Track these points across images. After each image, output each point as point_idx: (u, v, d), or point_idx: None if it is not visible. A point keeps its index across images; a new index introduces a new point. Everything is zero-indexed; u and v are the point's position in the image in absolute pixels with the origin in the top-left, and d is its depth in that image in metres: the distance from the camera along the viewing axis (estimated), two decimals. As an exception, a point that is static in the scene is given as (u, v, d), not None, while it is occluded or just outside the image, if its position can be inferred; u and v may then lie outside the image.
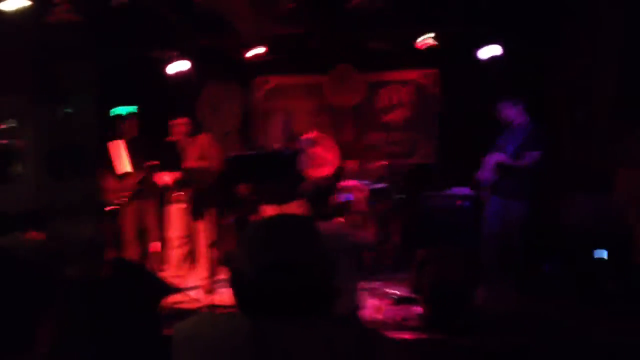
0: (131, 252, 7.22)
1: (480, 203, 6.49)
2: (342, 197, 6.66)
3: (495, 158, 6.15)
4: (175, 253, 6.54)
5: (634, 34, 5.71)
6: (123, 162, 5.88)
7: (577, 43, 7.14)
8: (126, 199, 7.03)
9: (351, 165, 8.40)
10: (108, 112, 8.49)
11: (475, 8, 6.91)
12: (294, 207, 6.07)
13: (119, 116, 6.98)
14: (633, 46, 5.74)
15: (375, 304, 5.68)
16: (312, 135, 6.15)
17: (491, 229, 6.20)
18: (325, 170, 8.10)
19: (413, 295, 5.44)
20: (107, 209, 7.02)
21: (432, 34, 7.69)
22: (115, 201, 6.98)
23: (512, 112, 6.25)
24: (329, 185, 4.37)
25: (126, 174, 6.83)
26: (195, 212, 6.34)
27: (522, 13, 7.16)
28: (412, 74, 9.14)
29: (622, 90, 6.13)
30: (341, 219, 4.38)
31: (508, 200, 6.09)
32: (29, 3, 4.82)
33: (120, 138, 6.86)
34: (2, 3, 4.73)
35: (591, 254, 6.10)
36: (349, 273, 4.14)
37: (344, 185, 6.05)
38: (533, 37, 7.73)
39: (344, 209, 4.48)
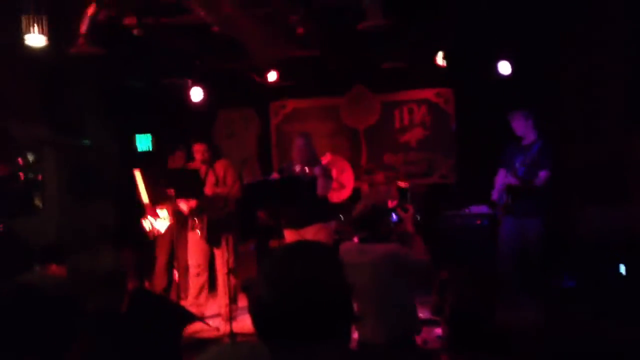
0: (161, 280, 7.27)
1: (497, 222, 6.46)
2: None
3: (506, 180, 6.13)
4: (194, 281, 6.53)
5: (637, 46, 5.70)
6: (141, 193, 5.92)
7: (588, 54, 7.13)
8: (162, 229, 7.09)
9: (366, 187, 8.40)
10: (128, 140, 8.60)
11: (485, 26, 6.92)
12: (313, 232, 6.05)
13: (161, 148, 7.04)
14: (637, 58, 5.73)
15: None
16: (326, 158, 6.15)
17: (509, 250, 6.17)
18: (343, 194, 8.12)
19: (434, 317, 5.40)
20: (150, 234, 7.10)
21: (442, 54, 7.71)
22: (152, 229, 7.04)
23: (521, 125, 6.23)
24: (383, 206, 4.33)
25: (147, 205, 6.89)
26: (212, 239, 6.34)
27: (533, 29, 7.16)
28: (426, 93, 9.17)
29: (634, 100, 6.10)
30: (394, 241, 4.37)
31: (523, 219, 6.07)
32: (48, 42, 4.90)
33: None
34: (28, 38, 4.80)
35: (610, 267, 6.04)
36: (407, 294, 4.12)
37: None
38: (542, 50, 7.74)
39: (393, 230, 4.47)
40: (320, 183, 5.96)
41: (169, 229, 6.98)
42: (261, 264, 1.76)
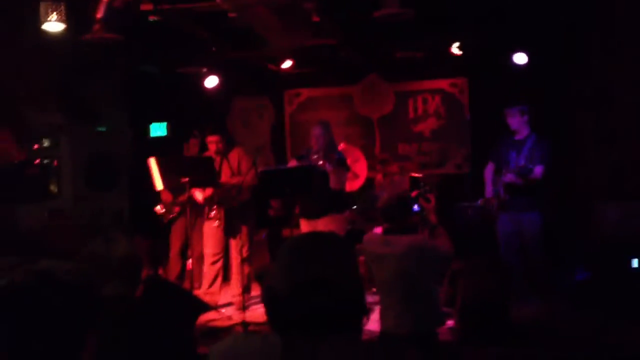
0: (174, 267, 7.31)
1: (489, 215, 6.42)
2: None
3: (503, 179, 6.10)
4: (209, 270, 6.55)
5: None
6: (156, 180, 5.93)
7: (601, 51, 7.07)
8: (175, 214, 7.12)
9: (379, 176, 8.39)
10: (143, 128, 8.64)
11: (502, 16, 6.88)
12: (326, 222, 6.04)
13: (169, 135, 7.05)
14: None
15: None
16: (340, 147, 6.12)
17: (509, 247, 6.16)
18: (356, 184, 8.11)
19: (445, 309, 5.41)
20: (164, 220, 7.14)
21: (457, 44, 7.67)
22: (168, 214, 7.07)
23: (516, 121, 6.19)
24: (408, 197, 4.31)
25: (161, 192, 6.92)
26: (228, 228, 6.36)
27: (548, 21, 7.11)
28: (441, 83, 9.14)
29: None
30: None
31: (520, 214, 6.04)
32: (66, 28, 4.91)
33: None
34: (46, 24, 4.82)
35: (624, 263, 6.01)
36: (431, 286, 4.12)
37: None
38: (558, 44, 7.69)
39: (416, 222, 4.46)
40: (332, 178, 5.93)
41: (182, 216, 7.02)
42: (275, 254, 1.77)
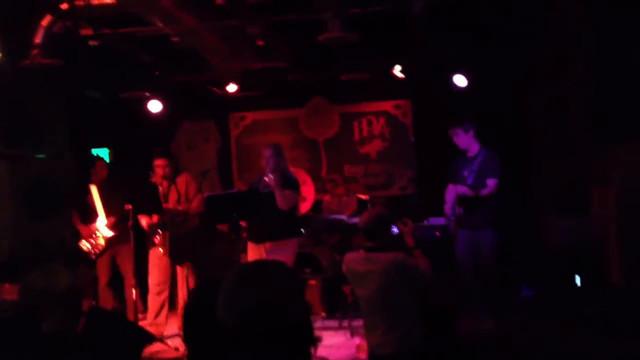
0: (105, 300, 7.09)
1: (452, 236, 6.51)
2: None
3: (456, 191, 6.20)
4: (154, 300, 6.39)
5: (607, 54, 5.80)
6: (98, 207, 5.80)
7: (550, 64, 7.25)
8: (103, 245, 6.90)
9: (327, 198, 8.41)
10: (85, 154, 8.46)
11: (444, 38, 7.01)
12: (274, 247, 5.95)
13: (89, 159, 6.88)
14: (606, 65, 5.84)
15: (357, 342, 5.62)
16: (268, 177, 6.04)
17: (465, 262, 6.23)
18: (304, 207, 8.09)
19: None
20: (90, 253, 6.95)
21: (399, 67, 7.78)
22: (94, 250, 6.88)
23: (463, 140, 6.31)
24: (388, 215, 4.28)
25: (80, 228, 6.76)
26: (174, 256, 6.23)
27: (490, 40, 7.28)
28: (385, 105, 9.25)
29: (596, 109, 6.21)
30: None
31: (477, 231, 6.13)
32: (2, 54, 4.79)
33: (91, 182, 6.78)
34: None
35: (567, 277, 6.14)
36: (414, 304, 4.09)
37: None
38: (501, 62, 7.87)
39: (396, 241, 4.43)
40: (278, 196, 5.84)
41: (108, 245, 6.82)
42: (221, 284, 1.74)
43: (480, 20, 6.63)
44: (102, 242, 6.63)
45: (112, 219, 6.54)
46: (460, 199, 6.16)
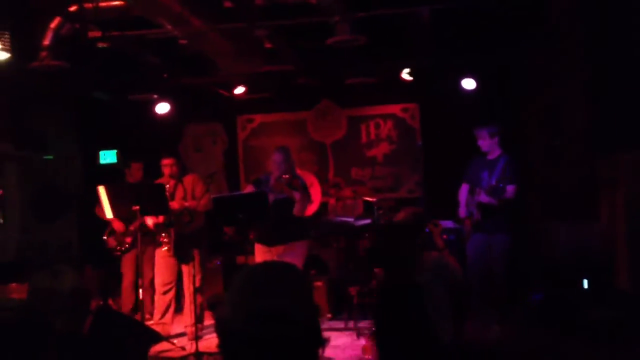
0: (127, 299, 7.13)
1: (464, 238, 6.51)
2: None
3: (476, 198, 6.18)
4: (160, 300, 6.41)
5: (605, 60, 5.79)
6: (106, 209, 5.81)
7: (548, 71, 7.24)
8: (128, 246, 6.99)
9: (333, 201, 8.41)
10: (93, 155, 8.48)
11: (451, 42, 7.02)
12: (286, 250, 5.95)
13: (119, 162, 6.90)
14: (604, 72, 5.83)
15: (363, 343, 5.61)
16: (287, 175, 6.05)
17: (475, 266, 6.22)
18: (310, 209, 8.08)
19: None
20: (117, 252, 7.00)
21: (408, 70, 7.79)
22: (120, 247, 6.96)
23: (487, 144, 6.30)
24: (422, 214, 4.29)
25: (112, 221, 6.80)
26: (179, 254, 6.25)
27: (495, 45, 7.28)
28: (393, 108, 9.23)
29: (601, 112, 6.18)
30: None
31: (491, 235, 6.12)
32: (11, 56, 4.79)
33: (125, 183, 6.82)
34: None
35: (573, 283, 6.11)
36: (447, 304, 4.08)
37: None
38: (507, 67, 7.87)
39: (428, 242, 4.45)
40: (299, 204, 5.86)
41: (134, 246, 6.88)
42: (229, 285, 1.74)
43: (484, 26, 6.64)
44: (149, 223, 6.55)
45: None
46: (481, 206, 6.14)
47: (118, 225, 6.96)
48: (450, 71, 7.91)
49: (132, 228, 6.78)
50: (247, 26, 5.98)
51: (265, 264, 1.86)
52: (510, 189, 6.04)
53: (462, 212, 6.41)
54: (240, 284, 1.69)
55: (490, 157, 6.32)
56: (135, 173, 7.24)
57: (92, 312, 2.87)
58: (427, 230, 4.34)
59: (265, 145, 8.87)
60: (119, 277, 7.20)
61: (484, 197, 6.10)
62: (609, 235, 6.04)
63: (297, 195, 5.86)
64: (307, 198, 6.00)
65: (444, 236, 7.08)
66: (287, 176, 5.86)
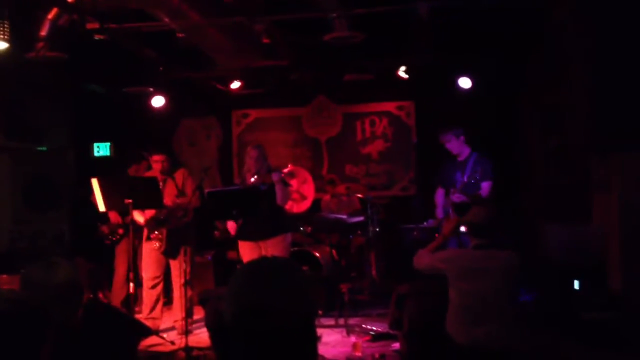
0: (118, 292, 7.10)
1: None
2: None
3: (452, 199, 6.21)
4: (149, 294, 6.39)
5: (604, 63, 5.81)
6: (98, 201, 5.78)
7: (550, 72, 7.25)
8: (118, 237, 7.00)
9: (327, 198, 8.40)
10: (86, 147, 8.46)
11: (448, 40, 7.02)
12: (272, 244, 5.97)
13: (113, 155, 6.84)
14: (603, 74, 5.84)
15: (353, 341, 5.62)
16: (287, 169, 6.09)
17: None
18: (303, 205, 8.09)
19: (391, 331, 5.40)
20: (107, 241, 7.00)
21: (404, 68, 7.79)
22: (111, 236, 6.95)
23: (455, 145, 6.35)
24: (496, 213, 4.32)
25: (109, 213, 6.78)
26: (169, 250, 6.22)
27: (495, 44, 7.29)
28: (388, 106, 9.24)
29: (593, 118, 6.20)
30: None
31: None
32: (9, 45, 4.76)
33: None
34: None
35: (567, 284, 6.12)
36: (512, 303, 4.12)
37: None
38: (504, 67, 7.88)
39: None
40: (277, 191, 5.88)
41: (125, 238, 6.87)
42: (224, 281, 1.74)
43: (482, 25, 6.64)
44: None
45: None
46: (457, 206, 6.16)
47: (114, 216, 6.95)
48: (446, 70, 7.92)
49: (128, 221, 6.77)
50: (244, 21, 5.96)
51: (260, 260, 1.86)
52: (485, 185, 6.08)
53: (439, 212, 6.47)
54: (239, 279, 1.69)
55: (460, 158, 6.37)
56: (141, 170, 7.17)
57: (83, 305, 2.86)
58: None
59: (260, 140, 8.82)
60: (109, 270, 7.18)
61: (457, 197, 6.14)
62: (602, 237, 6.06)
63: (275, 177, 5.90)
64: (284, 189, 6.04)
65: (436, 234, 7.13)
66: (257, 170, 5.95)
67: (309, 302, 1.69)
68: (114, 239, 7.01)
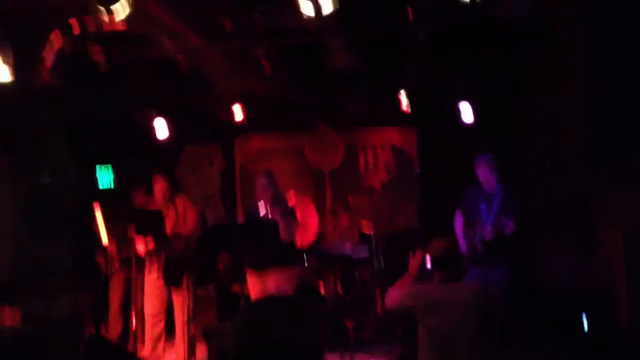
0: (115, 325, 7.00)
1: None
2: None
3: (482, 234, 6.08)
4: (151, 331, 6.27)
5: (599, 85, 5.79)
6: (101, 229, 5.73)
7: (548, 97, 7.24)
8: (114, 270, 6.93)
9: (330, 229, 8.34)
10: (90, 173, 8.41)
11: (448, 67, 7.03)
12: (276, 276, 5.89)
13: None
14: (598, 96, 5.83)
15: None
16: (291, 200, 6.04)
17: None
18: (307, 237, 8.01)
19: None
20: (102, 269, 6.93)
21: (406, 97, 7.79)
22: (105, 270, 6.89)
23: (485, 174, 6.23)
24: (456, 244, 4.27)
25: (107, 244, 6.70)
26: (169, 279, 6.11)
27: (492, 69, 7.28)
28: (391, 136, 9.21)
29: (590, 142, 6.17)
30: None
31: (488, 269, 6.03)
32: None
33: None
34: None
35: (575, 315, 6.04)
36: (485, 337, 4.03)
37: None
38: (503, 91, 7.87)
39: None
40: (281, 227, 5.81)
41: (122, 270, 6.81)
42: (227, 316, 1.68)
43: (479, 50, 6.66)
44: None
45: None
46: (485, 244, 6.06)
47: (111, 248, 6.89)
48: (448, 99, 7.89)
49: (124, 255, 6.76)
50: (245, 46, 5.97)
51: (269, 299, 1.82)
52: (512, 224, 5.96)
53: (462, 247, 6.27)
54: (244, 316, 1.65)
55: (487, 188, 6.25)
56: (139, 198, 7.11)
57: (85, 340, 2.78)
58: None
59: (263, 169, 8.82)
60: (106, 301, 7.08)
61: (488, 233, 6.00)
62: (608, 270, 5.99)
63: (276, 214, 5.82)
64: (292, 222, 5.97)
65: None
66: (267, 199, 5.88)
67: (314, 337, 1.65)
68: (110, 272, 6.93)
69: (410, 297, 4.13)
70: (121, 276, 6.89)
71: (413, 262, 4.39)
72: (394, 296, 4.24)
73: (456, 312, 3.93)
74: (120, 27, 5.40)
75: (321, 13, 3.98)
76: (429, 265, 5.58)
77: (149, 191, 6.82)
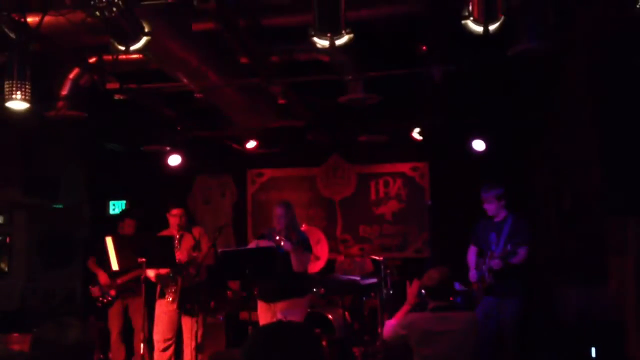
0: (117, 353, 7.04)
1: (472, 299, 6.42)
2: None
3: (489, 264, 6.10)
4: (161, 356, 6.29)
5: (614, 124, 5.82)
6: (111, 260, 5.79)
7: (560, 134, 7.28)
8: (111, 298, 7.00)
9: (341, 258, 8.35)
10: (102, 205, 8.52)
11: (462, 103, 7.08)
12: (287, 306, 5.89)
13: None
14: (613, 136, 5.86)
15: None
16: (301, 229, 6.06)
17: (484, 330, 6.10)
18: (317, 265, 8.03)
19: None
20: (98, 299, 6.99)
21: (418, 129, 7.86)
22: (102, 299, 6.97)
23: (493, 207, 6.26)
24: (449, 276, 4.32)
25: (116, 272, 6.76)
26: (182, 306, 6.15)
27: (507, 107, 7.34)
28: (402, 167, 9.26)
29: (606, 180, 6.19)
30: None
31: (502, 299, 6.03)
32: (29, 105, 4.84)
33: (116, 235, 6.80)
34: (10, 102, 4.72)
35: (585, 348, 6.01)
36: None
37: None
38: (518, 129, 7.91)
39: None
40: (293, 259, 5.82)
41: (120, 298, 6.92)
42: (235, 344, 1.74)
43: (496, 87, 6.72)
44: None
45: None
46: (493, 271, 6.07)
47: (103, 278, 6.96)
48: (460, 131, 7.95)
49: (119, 282, 6.87)
50: (261, 82, 6.05)
51: (276, 325, 1.86)
52: (521, 251, 5.96)
53: (472, 276, 6.30)
54: (252, 344, 1.68)
55: (497, 219, 6.29)
56: (127, 228, 7.23)
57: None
58: (457, 286, 4.38)
59: (275, 199, 8.85)
60: (106, 331, 7.14)
61: (496, 263, 6.02)
62: (618, 302, 5.97)
63: (288, 246, 5.81)
64: (303, 253, 5.96)
65: (450, 297, 7.04)
66: (280, 229, 5.89)
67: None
68: (105, 301, 7.01)
69: (403, 327, 4.16)
70: (118, 303, 6.99)
71: (410, 292, 4.42)
72: (389, 326, 4.27)
73: (451, 342, 3.95)
74: (138, 64, 5.54)
75: (334, 44, 4.03)
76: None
77: (139, 224, 6.93)
